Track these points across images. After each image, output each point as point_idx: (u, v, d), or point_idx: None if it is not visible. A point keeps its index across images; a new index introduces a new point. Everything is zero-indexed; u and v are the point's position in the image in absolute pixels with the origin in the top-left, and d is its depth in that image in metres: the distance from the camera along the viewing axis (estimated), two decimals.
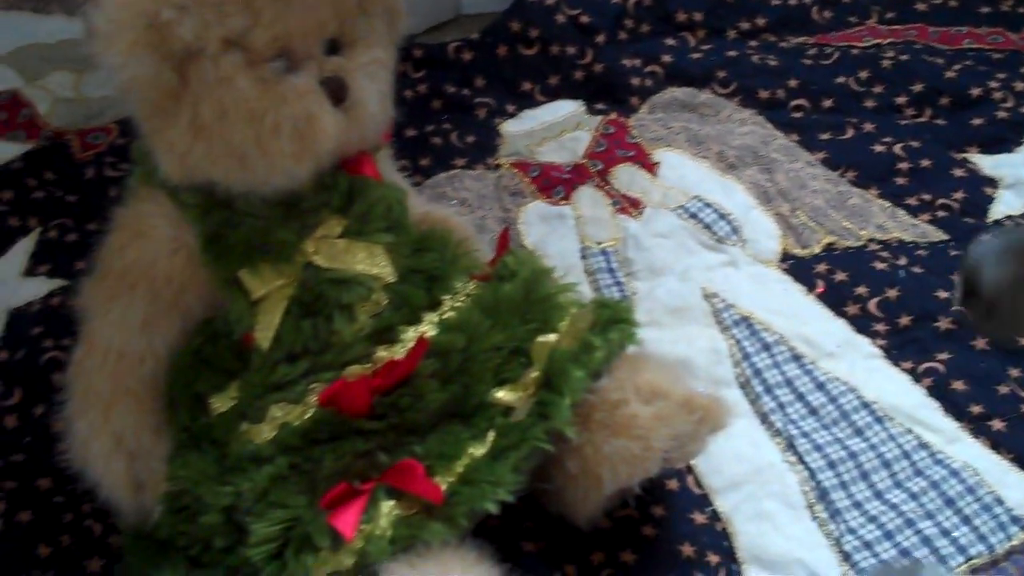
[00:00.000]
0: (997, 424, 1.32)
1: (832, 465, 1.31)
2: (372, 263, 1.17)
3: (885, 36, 1.99)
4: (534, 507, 1.21)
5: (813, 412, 1.37)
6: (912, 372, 1.40)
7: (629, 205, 1.67)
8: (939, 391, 1.37)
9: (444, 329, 1.18)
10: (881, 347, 1.44)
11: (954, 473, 1.29)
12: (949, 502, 1.27)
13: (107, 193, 1.75)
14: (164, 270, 1.14)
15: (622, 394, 1.17)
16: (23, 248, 1.67)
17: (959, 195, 1.65)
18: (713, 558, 1.22)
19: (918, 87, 1.84)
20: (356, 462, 1.11)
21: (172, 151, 1.10)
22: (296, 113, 1.08)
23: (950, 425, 1.34)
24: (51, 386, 1.44)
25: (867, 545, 1.24)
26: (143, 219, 1.16)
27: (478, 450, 1.12)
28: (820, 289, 1.52)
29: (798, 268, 1.56)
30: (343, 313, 1.15)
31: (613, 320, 1.22)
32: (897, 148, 1.73)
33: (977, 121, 1.77)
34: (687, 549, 1.23)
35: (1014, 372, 1.32)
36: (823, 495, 1.28)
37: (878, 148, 1.73)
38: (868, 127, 1.78)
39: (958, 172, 1.69)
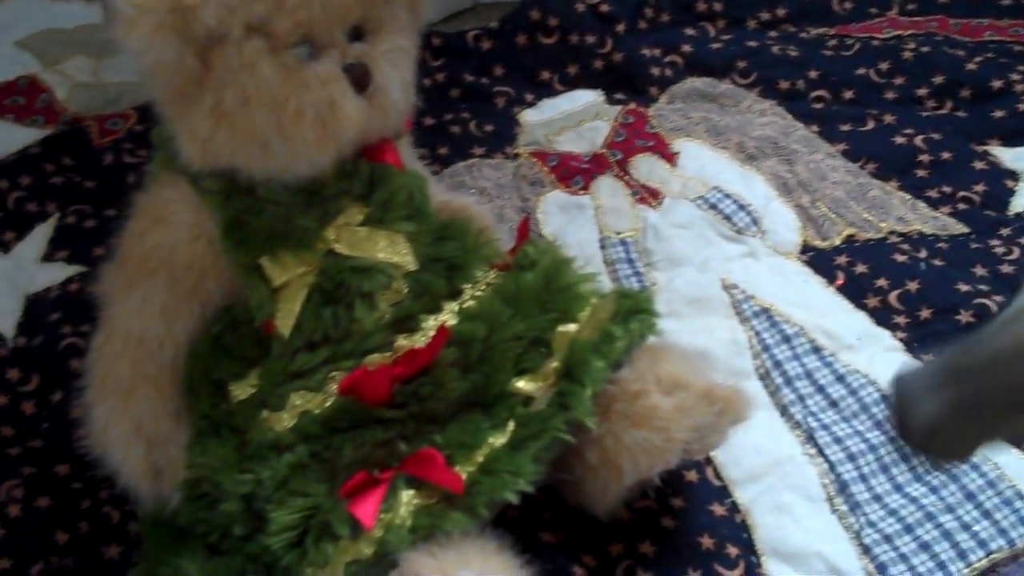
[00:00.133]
0: None
1: (852, 458, 1.31)
2: (393, 251, 1.17)
3: (906, 27, 1.98)
4: (553, 498, 1.21)
5: (833, 405, 1.36)
6: None
7: (648, 195, 1.66)
8: None
9: (465, 318, 1.17)
10: (902, 340, 1.43)
11: (975, 467, 1.28)
12: (970, 496, 1.26)
13: (125, 179, 1.75)
14: (184, 256, 1.14)
15: (643, 385, 1.16)
16: (41, 234, 1.67)
17: (980, 188, 1.64)
18: (732, 550, 1.22)
19: (939, 79, 1.83)
20: (376, 451, 1.11)
21: (194, 137, 1.10)
22: (319, 100, 1.08)
23: None
24: (69, 372, 1.44)
25: (887, 539, 1.23)
26: (164, 205, 1.16)
27: (498, 440, 1.12)
28: (840, 281, 1.51)
29: (818, 260, 1.55)
30: (364, 301, 1.14)
31: (634, 310, 1.22)
32: (918, 140, 1.72)
33: (998, 113, 1.76)
34: (706, 541, 1.22)
35: None
36: (843, 488, 1.28)
37: (899, 140, 1.73)
38: (889, 119, 1.77)
39: (979, 165, 1.68)
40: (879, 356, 1.41)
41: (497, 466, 1.09)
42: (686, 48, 1.93)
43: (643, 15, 2.01)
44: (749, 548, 1.23)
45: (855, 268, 1.52)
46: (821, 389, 1.38)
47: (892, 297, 1.47)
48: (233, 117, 1.08)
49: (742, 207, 1.62)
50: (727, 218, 1.61)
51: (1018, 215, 1.58)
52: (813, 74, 1.86)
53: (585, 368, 1.14)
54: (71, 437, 1.33)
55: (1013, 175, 1.65)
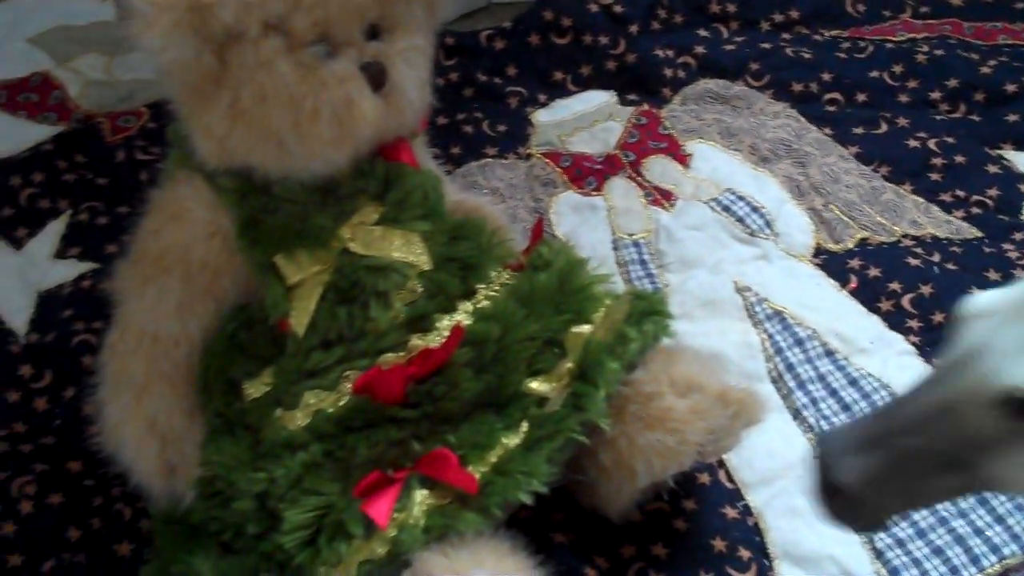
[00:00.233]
0: None
1: None
2: (408, 250, 1.16)
3: (919, 31, 1.97)
4: (565, 499, 1.21)
5: (846, 408, 1.36)
6: None
7: (661, 197, 1.66)
8: None
9: (479, 318, 1.17)
10: (914, 344, 1.43)
11: None
12: (982, 501, 1.26)
13: (138, 176, 1.75)
14: (200, 254, 1.14)
15: (657, 387, 1.16)
16: (54, 230, 1.67)
17: (993, 192, 1.64)
18: (745, 553, 1.21)
19: (953, 83, 1.83)
20: (390, 450, 1.10)
21: (210, 134, 1.10)
22: (336, 98, 1.08)
23: None
24: (81, 369, 1.44)
25: (900, 543, 1.23)
26: (179, 202, 1.16)
27: (512, 440, 1.12)
28: (853, 284, 1.51)
29: (831, 263, 1.55)
30: (379, 300, 1.14)
31: (648, 312, 1.21)
32: (931, 144, 1.72)
33: (1012, 117, 1.76)
34: (719, 543, 1.22)
35: None
36: None
37: (912, 143, 1.72)
38: (902, 122, 1.77)
39: (992, 169, 1.68)
40: (892, 360, 1.41)
41: (511, 467, 1.09)
42: (699, 49, 1.92)
43: (656, 16, 2.01)
44: (761, 551, 1.23)
45: (868, 271, 1.52)
46: (834, 392, 1.37)
47: (905, 301, 1.47)
48: (250, 115, 1.08)
49: (755, 209, 1.62)
50: (740, 220, 1.61)
51: None
52: (826, 77, 1.86)
53: (599, 369, 1.14)
54: (83, 434, 1.32)
55: None
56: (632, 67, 1.91)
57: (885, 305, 1.47)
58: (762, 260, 1.55)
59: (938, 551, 1.22)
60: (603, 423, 1.12)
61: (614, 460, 1.14)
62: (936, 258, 1.53)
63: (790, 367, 1.41)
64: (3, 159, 1.79)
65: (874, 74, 1.86)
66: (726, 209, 1.63)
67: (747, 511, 1.26)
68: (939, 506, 1.25)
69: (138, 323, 1.15)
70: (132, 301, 1.16)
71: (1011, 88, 1.80)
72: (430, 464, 1.08)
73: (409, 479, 1.07)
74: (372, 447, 1.10)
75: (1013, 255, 1.53)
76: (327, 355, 1.13)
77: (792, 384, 1.39)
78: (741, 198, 1.64)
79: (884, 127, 1.76)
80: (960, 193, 1.64)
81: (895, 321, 1.46)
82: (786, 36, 1.97)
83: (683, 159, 1.72)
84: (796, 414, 1.36)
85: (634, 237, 1.61)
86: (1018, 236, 1.57)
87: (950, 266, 1.51)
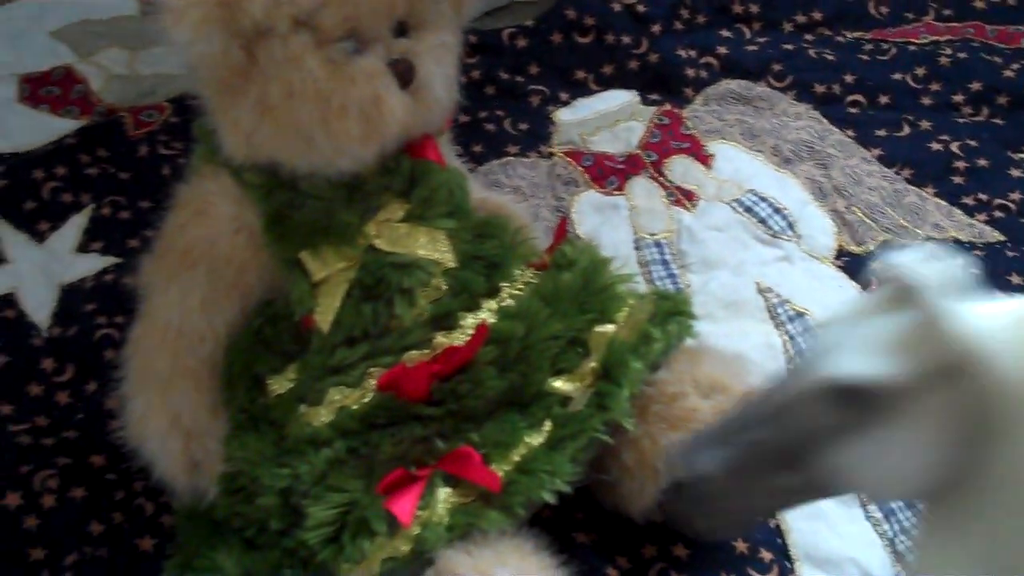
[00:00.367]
0: None
1: None
2: (433, 248, 1.17)
3: (942, 33, 1.97)
4: (587, 499, 1.20)
5: None
6: None
7: (683, 197, 1.66)
8: None
9: (503, 317, 1.17)
10: None
11: None
12: None
13: (160, 171, 1.75)
14: (225, 250, 1.14)
15: (681, 387, 1.16)
16: (76, 224, 1.67)
17: (1016, 195, 1.64)
18: (766, 555, 1.21)
19: (976, 86, 1.83)
20: (413, 448, 1.11)
21: (238, 129, 1.10)
22: (363, 95, 1.08)
23: None
24: (104, 363, 1.44)
25: None
26: (205, 197, 1.16)
27: (535, 439, 1.12)
28: (875, 287, 1.50)
29: (854, 265, 1.54)
30: (403, 297, 1.14)
31: (672, 312, 1.22)
32: (954, 147, 1.71)
33: None
34: (740, 545, 1.22)
35: None
36: None
37: (935, 146, 1.72)
38: (925, 125, 1.77)
39: (1015, 172, 1.68)
40: None
41: (534, 466, 1.09)
42: (721, 50, 1.92)
43: (679, 16, 2.01)
44: (783, 553, 1.22)
45: None
46: None
47: None
48: (277, 111, 1.08)
49: (777, 211, 1.62)
50: (762, 221, 1.61)
51: None
52: (849, 78, 1.85)
53: (623, 369, 1.14)
54: (106, 428, 1.33)
55: None
56: (654, 67, 1.91)
57: None
58: (784, 262, 1.55)
59: None
60: (627, 423, 1.12)
61: (637, 460, 1.14)
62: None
63: None
64: (25, 153, 1.79)
65: (897, 76, 1.86)
66: (748, 210, 1.62)
67: None
68: None
69: (163, 318, 1.15)
70: (157, 296, 1.16)
71: None
72: (454, 462, 1.09)
73: (433, 477, 1.07)
74: (396, 444, 1.10)
75: None
76: (352, 352, 1.13)
77: None
78: (763, 199, 1.64)
79: (907, 130, 1.76)
80: (983, 196, 1.64)
81: None
82: (808, 37, 1.97)
83: (705, 159, 1.72)
84: None
85: (656, 237, 1.60)
86: None
87: (972, 270, 1.50)
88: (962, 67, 1.85)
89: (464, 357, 1.13)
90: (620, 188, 1.68)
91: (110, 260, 1.60)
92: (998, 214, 1.62)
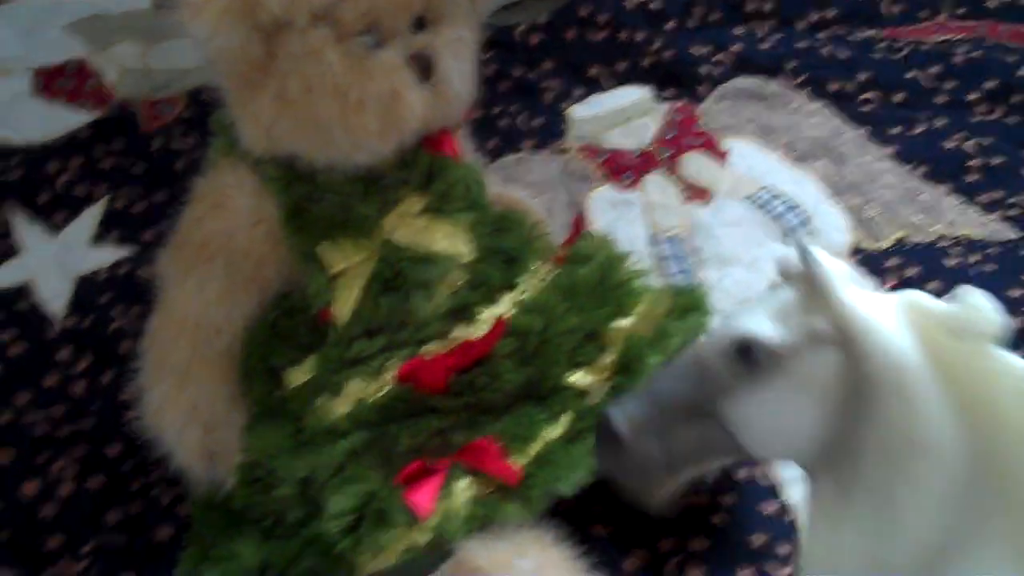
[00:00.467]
0: None
1: None
2: (451, 242, 1.17)
3: (956, 32, 1.96)
4: (603, 492, 1.20)
5: None
6: None
7: (698, 193, 1.66)
8: None
9: (522, 310, 1.17)
10: None
11: None
12: None
13: (174, 164, 1.75)
14: (243, 242, 1.14)
15: None
16: (91, 216, 1.67)
17: None
18: (783, 548, 1.21)
19: (990, 84, 1.82)
20: (431, 440, 1.11)
21: (257, 122, 1.11)
22: (382, 89, 1.08)
23: None
24: (119, 354, 1.45)
25: None
26: (223, 190, 1.16)
27: (553, 432, 1.12)
28: (891, 284, 1.50)
29: (869, 262, 1.54)
30: (421, 291, 1.14)
31: (689, 308, 1.22)
32: (968, 145, 1.71)
33: None
34: (757, 539, 1.22)
35: None
36: None
37: (949, 144, 1.72)
38: (939, 123, 1.76)
39: None
40: None
41: (552, 458, 1.10)
42: (735, 47, 1.92)
43: (692, 13, 2.01)
44: (799, 548, 1.22)
45: (905, 271, 1.51)
46: None
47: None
48: (296, 104, 1.08)
49: (792, 208, 1.62)
50: (777, 218, 1.60)
51: None
52: (863, 76, 1.85)
53: (640, 363, 1.15)
54: (122, 418, 1.33)
55: None
56: (668, 63, 1.90)
57: None
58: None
59: None
60: None
61: None
62: (973, 259, 1.52)
63: None
64: (40, 145, 1.79)
65: (911, 75, 1.85)
66: (763, 207, 1.62)
67: (785, 508, 1.26)
68: None
69: (180, 310, 1.16)
70: (175, 288, 1.17)
71: None
72: (472, 454, 1.09)
73: (451, 469, 1.08)
74: (414, 436, 1.11)
75: None
76: (369, 344, 1.13)
77: None
78: (778, 196, 1.63)
79: (921, 127, 1.76)
80: (997, 195, 1.64)
81: None
82: (822, 35, 1.96)
83: (720, 156, 1.71)
84: None
85: (670, 233, 1.60)
86: None
87: (987, 268, 1.50)
88: (976, 65, 1.85)
89: (482, 350, 1.13)
90: (634, 184, 1.68)
91: (125, 252, 1.61)
92: (1012, 212, 1.61)
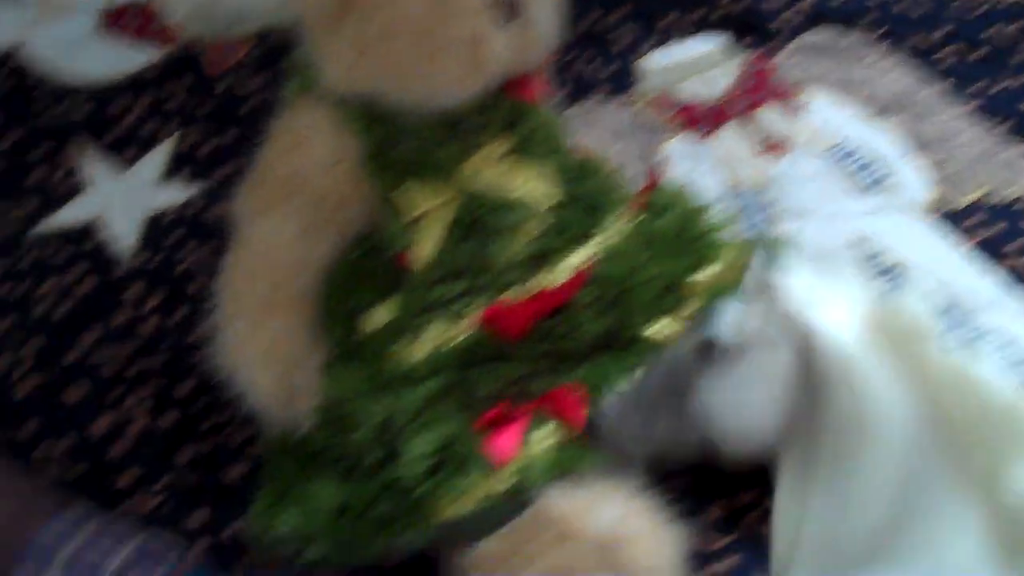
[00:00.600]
0: None
1: None
2: (532, 187, 1.15)
3: None
4: None
5: None
6: None
7: (774, 146, 1.63)
8: None
9: (603, 259, 1.16)
10: None
11: None
12: None
13: (241, 106, 1.74)
14: (323, 182, 1.13)
15: None
16: (159, 155, 1.67)
17: None
18: None
19: None
20: (511, 387, 1.10)
21: (337, 62, 1.09)
22: (464, 33, 1.06)
23: None
24: (188, 293, 1.45)
25: None
26: (302, 130, 1.15)
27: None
28: (973, 241, 1.47)
29: (949, 219, 1.51)
30: (502, 236, 1.13)
31: (769, 259, 1.20)
32: None
33: None
34: None
35: None
36: None
37: None
38: (1020, 80, 1.72)
39: None
40: (1011, 319, 1.37)
41: None
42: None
43: None
44: None
45: (986, 229, 1.48)
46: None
47: None
48: (376, 47, 1.07)
49: (870, 162, 1.59)
50: (855, 173, 1.58)
51: None
52: (944, 30, 1.81)
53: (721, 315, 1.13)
54: (192, 357, 1.33)
55: None
56: (742, 15, 1.87)
57: (1005, 263, 1.44)
58: (877, 214, 1.52)
59: None
60: None
61: None
62: None
63: None
64: (106, 84, 1.79)
65: (993, 29, 1.81)
66: (840, 161, 1.60)
67: None
68: None
69: (259, 248, 1.15)
70: (253, 225, 1.16)
71: None
72: (553, 402, 1.08)
73: (533, 415, 1.07)
74: (493, 382, 1.10)
75: None
76: (450, 288, 1.12)
77: None
78: (856, 150, 1.61)
79: (1005, 83, 1.72)
80: None
81: (1016, 279, 1.42)
82: None
83: (796, 108, 1.68)
84: None
85: (745, 186, 1.58)
86: None
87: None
88: None
89: (562, 298, 1.12)
90: (708, 136, 1.66)
91: (194, 191, 1.60)
92: None
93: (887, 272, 1.44)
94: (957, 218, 1.51)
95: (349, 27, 1.07)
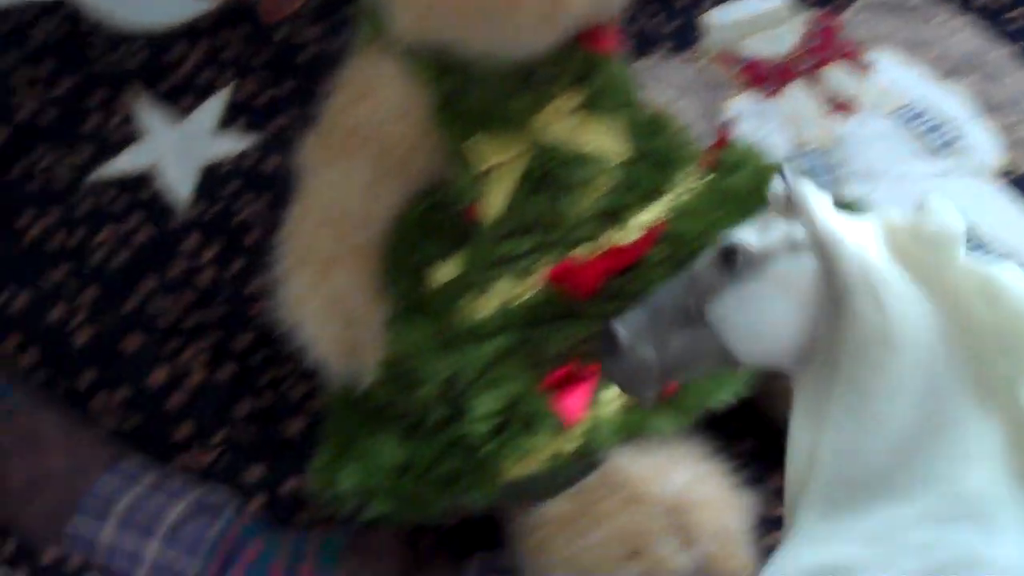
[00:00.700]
0: None
1: None
2: (604, 141, 1.12)
3: None
4: (750, 409, 1.17)
5: None
6: None
7: (841, 106, 1.59)
8: None
9: (675, 216, 1.13)
10: None
11: None
12: None
13: (297, 56, 1.72)
14: (392, 133, 1.11)
15: None
16: (215, 105, 1.64)
17: None
18: None
19: None
20: (580, 346, 1.07)
21: (409, 9, 1.07)
22: None
23: None
24: (245, 244, 1.43)
25: None
26: (371, 80, 1.13)
27: None
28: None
29: (1019, 183, 1.47)
30: (572, 191, 1.10)
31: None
32: None
33: None
34: None
35: None
36: None
37: None
38: None
39: None
40: None
41: None
42: None
43: None
44: None
45: None
46: None
47: None
48: None
49: (940, 124, 1.55)
50: (924, 134, 1.54)
51: None
52: None
53: None
54: (251, 310, 1.31)
55: None
56: None
57: None
58: (946, 176, 1.49)
59: None
60: None
61: None
62: None
63: None
64: (162, 31, 1.77)
65: None
66: (909, 122, 1.56)
67: None
68: None
69: (324, 199, 1.13)
70: (319, 177, 1.14)
71: None
72: None
73: (602, 376, 1.04)
74: (562, 341, 1.07)
75: None
76: (519, 244, 1.10)
77: None
78: (925, 111, 1.57)
79: None
80: None
81: None
82: None
83: (864, 68, 1.65)
84: None
85: (811, 146, 1.55)
86: None
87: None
88: None
89: (634, 255, 1.09)
90: (774, 94, 1.62)
91: (251, 140, 1.58)
92: None
93: None
94: None
95: None
